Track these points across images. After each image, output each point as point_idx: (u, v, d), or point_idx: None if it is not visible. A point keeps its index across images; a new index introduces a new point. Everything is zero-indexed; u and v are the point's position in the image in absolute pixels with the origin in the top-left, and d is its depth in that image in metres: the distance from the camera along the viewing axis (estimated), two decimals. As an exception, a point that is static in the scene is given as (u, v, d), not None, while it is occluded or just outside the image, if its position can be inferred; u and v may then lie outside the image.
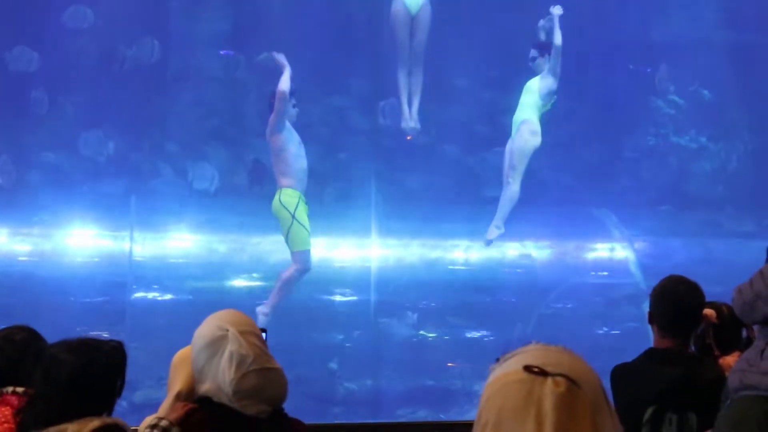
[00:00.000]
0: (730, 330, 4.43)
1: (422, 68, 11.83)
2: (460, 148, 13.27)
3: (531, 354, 1.77)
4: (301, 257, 10.97)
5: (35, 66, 12.79)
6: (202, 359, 3.26)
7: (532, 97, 11.44)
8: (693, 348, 4.32)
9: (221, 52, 13.57)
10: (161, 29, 13.24)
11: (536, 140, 11.41)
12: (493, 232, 11.61)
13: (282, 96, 10.73)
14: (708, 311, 4.36)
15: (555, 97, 11.51)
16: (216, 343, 3.23)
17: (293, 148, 10.96)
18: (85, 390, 3.22)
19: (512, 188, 11.41)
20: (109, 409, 3.30)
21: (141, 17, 12.99)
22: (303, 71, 11.92)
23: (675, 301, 4.19)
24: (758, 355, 3.82)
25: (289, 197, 10.85)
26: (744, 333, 4.44)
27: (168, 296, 12.80)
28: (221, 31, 13.47)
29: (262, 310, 11.02)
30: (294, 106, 11.01)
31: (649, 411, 3.99)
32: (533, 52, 11.56)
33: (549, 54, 11.35)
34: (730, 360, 4.38)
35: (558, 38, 11.15)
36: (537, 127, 11.41)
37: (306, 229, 10.90)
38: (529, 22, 11.91)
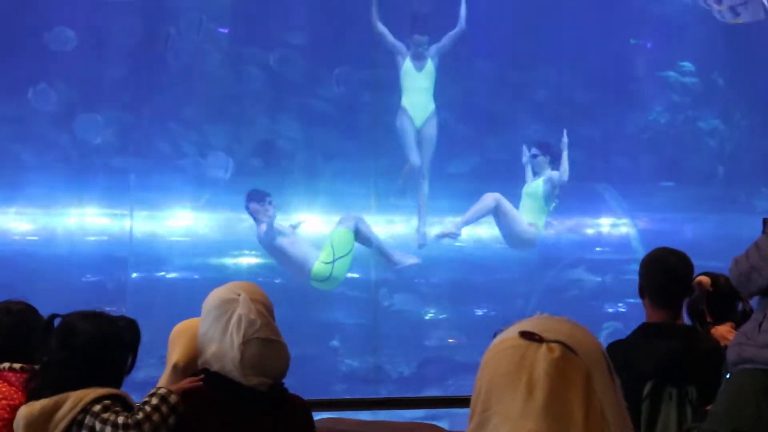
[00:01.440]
0: (725, 299, 4.42)
1: (428, 182, 11.83)
2: (460, 123, 13.22)
3: (529, 322, 1.75)
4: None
5: (71, 46, 12.67)
6: (210, 319, 3.27)
7: (536, 203, 11.54)
8: (686, 317, 4.32)
9: (220, 30, 13.51)
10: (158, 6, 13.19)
11: (533, 231, 11.47)
12: (449, 228, 11.66)
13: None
14: (703, 278, 4.36)
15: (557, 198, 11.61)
16: (226, 304, 3.26)
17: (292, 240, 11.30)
18: (97, 361, 3.22)
19: (490, 206, 11.43)
20: (118, 384, 3.30)
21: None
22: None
23: (665, 271, 4.18)
24: (756, 328, 3.81)
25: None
26: (740, 306, 4.43)
27: (168, 274, 12.80)
28: (222, 6, 13.42)
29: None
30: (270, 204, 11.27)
31: (648, 386, 3.99)
32: (534, 150, 11.56)
33: (550, 154, 11.45)
34: (722, 329, 4.38)
35: (566, 168, 11.23)
36: (540, 227, 11.55)
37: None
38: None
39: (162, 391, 3.22)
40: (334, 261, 11.20)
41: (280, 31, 13.20)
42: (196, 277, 12.51)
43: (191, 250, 12.88)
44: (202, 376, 3.25)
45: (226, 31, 13.52)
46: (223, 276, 11.82)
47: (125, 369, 3.35)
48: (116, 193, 12.68)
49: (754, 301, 4.12)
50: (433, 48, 11.77)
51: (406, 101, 11.78)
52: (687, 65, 13.67)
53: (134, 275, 12.60)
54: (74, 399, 3.14)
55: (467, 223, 11.64)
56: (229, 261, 12.89)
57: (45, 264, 12.21)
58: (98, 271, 12.59)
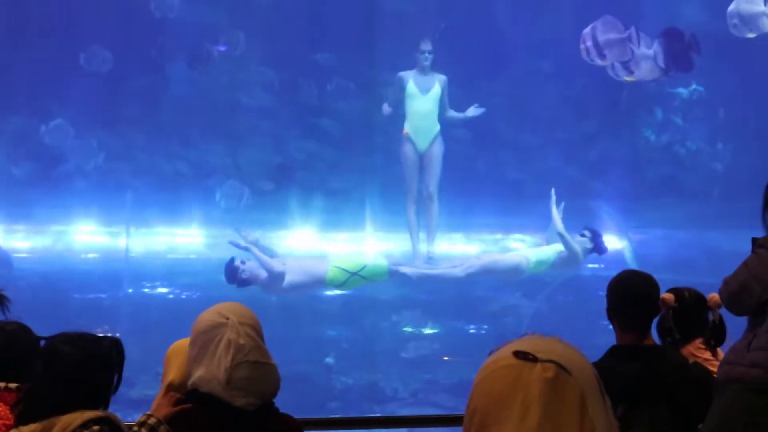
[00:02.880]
0: (692, 313, 4.44)
1: (436, 205, 11.64)
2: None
3: (523, 341, 1.76)
4: None
5: (108, 66, 12.66)
6: (199, 343, 3.28)
7: (540, 267, 11.63)
8: (656, 336, 4.34)
9: (217, 47, 13.56)
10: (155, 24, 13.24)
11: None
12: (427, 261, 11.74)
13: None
14: (667, 296, 4.39)
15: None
16: (215, 329, 3.26)
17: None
18: (83, 383, 3.22)
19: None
20: (105, 404, 3.30)
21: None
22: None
23: (630, 294, 4.20)
24: (746, 347, 3.81)
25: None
26: (710, 316, 4.45)
27: (163, 292, 12.79)
28: (217, 24, 13.49)
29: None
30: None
31: (619, 409, 3.99)
32: (584, 231, 11.64)
33: (595, 242, 11.60)
34: (691, 348, 4.40)
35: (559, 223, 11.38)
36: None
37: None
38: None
39: (152, 420, 3.25)
40: (353, 274, 11.18)
41: (287, 52, 13.29)
42: (192, 294, 12.50)
43: (187, 268, 12.87)
44: (185, 402, 3.26)
45: (223, 49, 13.57)
46: (219, 294, 11.79)
47: (111, 389, 3.35)
48: (113, 210, 12.69)
49: (743, 320, 4.12)
50: (443, 78, 11.57)
51: (409, 126, 11.54)
52: (682, 90, 13.75)
53: (130, 292, 12.58)
54: (62, 425, 3.13)
55: (485, 266, 11.65)
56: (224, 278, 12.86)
57: (41, 281, 12.20)
58: (94, 289, 12.58)
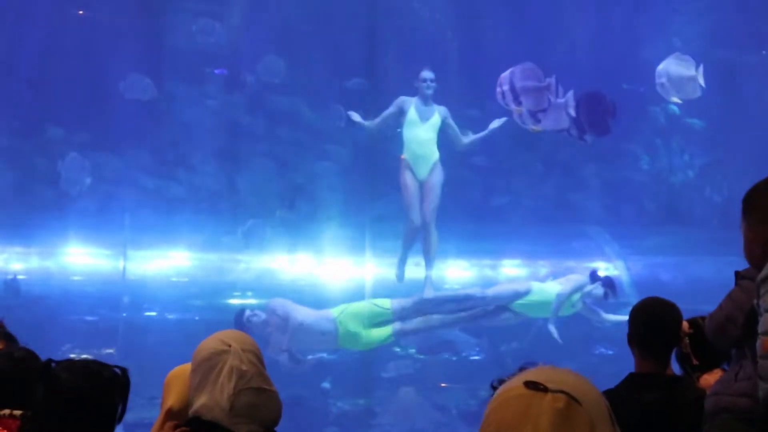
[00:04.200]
0: (709, 342, 4.42)
1: (435, 232, 11.56)
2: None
3: (534, 372, 1.75)
4: None
5: (150, 94, 12.71)
6: (202, 371, 3.26)
7: (540, 310, 11.65)
8: (676, 364, 4.31)
9: (215, 71, 13.60)
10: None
11: None
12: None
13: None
14: (684, 323, 4.37)
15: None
16: (216, 356, 3.25)
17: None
18: (83, 413, 3.20)
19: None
20: None
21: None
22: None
23: (652, 321, 4.19)
24: (732, 378, 3.80)
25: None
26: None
27: (161, 314, 12.76)
28: (215, 48, 13.53)
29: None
30: None
31: None
32: (600, 281, 11.64)
33: (609, 290, 11.61)
34: (710, 379, 4.37)
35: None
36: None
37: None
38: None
39: None
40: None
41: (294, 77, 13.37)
42: (189, 317, 12.48)
43: (184, 291, 12.86)
44: (185, 428, 3.24)
45: (224, 72, 13.63)
46: (215, 317, 11.81)
47: (114, 418, 3.33)
48: (110, 232, 12.68)
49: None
50: (443, 109, 11.56)
51: (407, 153, 11.49)
52: (674, 107, 13.75)
53: (127, 315, 12.55)
54: None
55: (497, 295, 11.65)
56: (222, 302, 12.85)
57: (38, 303, 12.18)
58: (91, 311, 12.55)
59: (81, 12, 13.56)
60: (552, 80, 10.29)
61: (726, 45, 13.60)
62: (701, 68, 10.55)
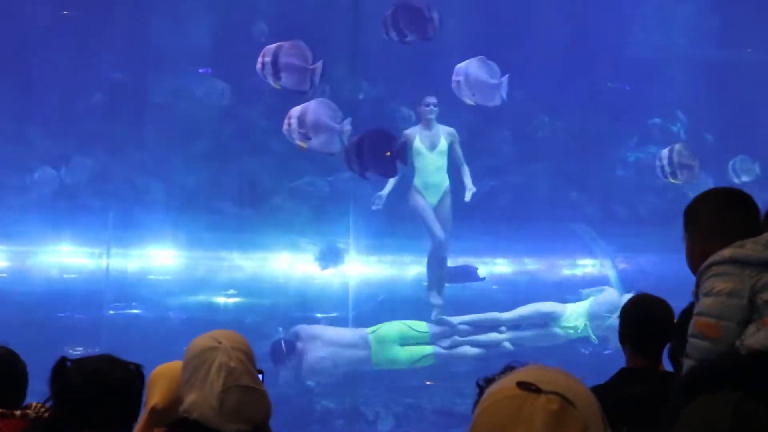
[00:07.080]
0: None
1: (447, 256, 11.62)
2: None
3: (526, 372, 1.73)
4: None
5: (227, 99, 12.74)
6: (191, 367, 3.25)
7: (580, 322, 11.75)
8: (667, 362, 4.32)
9: (200, 71, 13.56)
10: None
11: None
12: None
13: None
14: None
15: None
16: (207, 353, 3.24)
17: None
18: (93, 415, 3.20)
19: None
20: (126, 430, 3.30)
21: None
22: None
23: (643, 318, 4.20)
24: None
25: None
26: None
27: (144, 312, 12.72)
28: (201, 49, 13.49)
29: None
30: None
31: (624, 430, 3.96)
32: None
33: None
34: None
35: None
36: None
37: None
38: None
39: None
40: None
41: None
42: (173, 315, 12.45)
43: (168, 289, 12.83)
44: (172, 430, 3.22)
45: (209, 71, 13.57)
46: (200, 315, 11.78)
47: (129, 417, 3.30)
48: (94, 231, 12.65)
49: None
50: (452, 132, 11.46)
51: (418, 181, 11.39)
52: (653, 116, 13.84)
53: (110, 313, 12.52)
54: None
55: (512, 321, 11.79)
56: (205, 300, 12.83)
57: (21, 302, 12.13)
58: (75, 309, 12.51)
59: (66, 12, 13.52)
60: (506, 79, 10.74)
61: (711, 43, 13.65)
62: (506, 78, 10.80)
